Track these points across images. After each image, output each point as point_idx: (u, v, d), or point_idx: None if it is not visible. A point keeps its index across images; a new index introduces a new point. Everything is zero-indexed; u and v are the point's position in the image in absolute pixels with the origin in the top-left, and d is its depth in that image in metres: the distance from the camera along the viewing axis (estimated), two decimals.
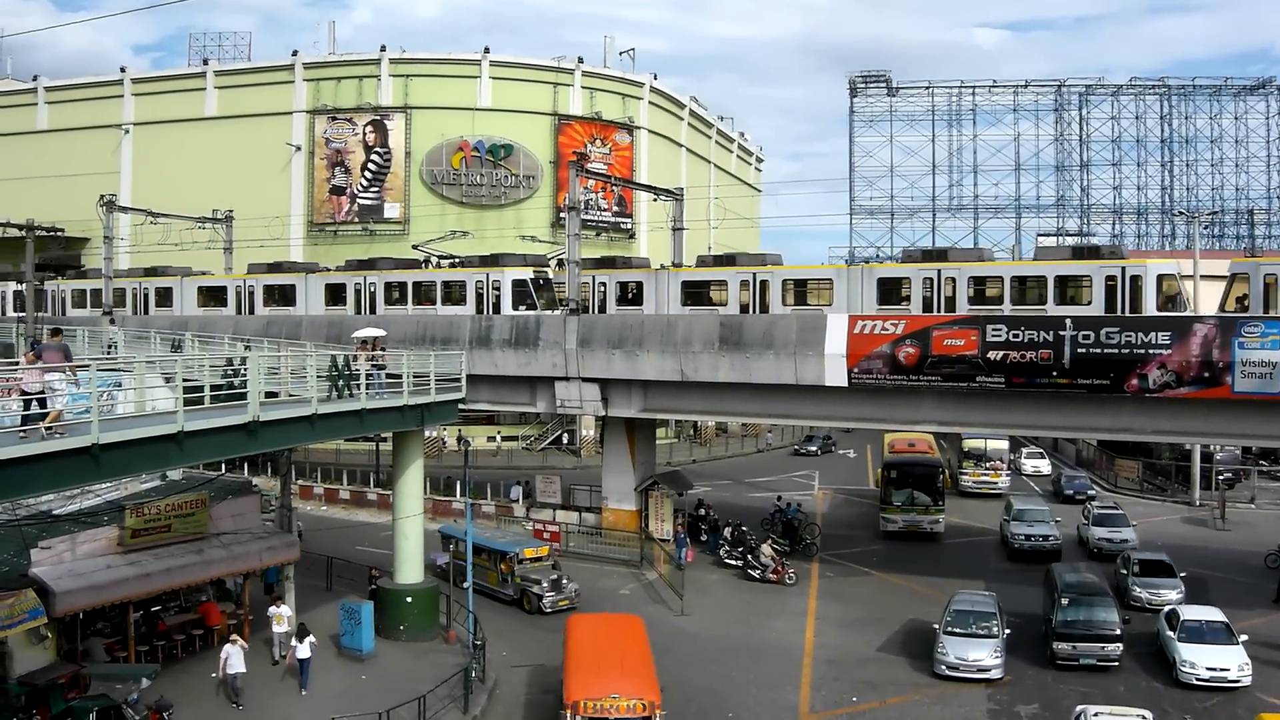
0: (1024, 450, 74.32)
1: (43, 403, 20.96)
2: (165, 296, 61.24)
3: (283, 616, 32.18)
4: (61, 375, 21.61)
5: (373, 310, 52.49)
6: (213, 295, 59.82)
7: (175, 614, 33.38)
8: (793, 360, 39.05)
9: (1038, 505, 50.33)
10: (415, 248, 55.13)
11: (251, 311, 56.43)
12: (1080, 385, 34.87)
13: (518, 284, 48.32)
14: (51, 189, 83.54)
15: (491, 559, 40.50)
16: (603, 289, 49.40)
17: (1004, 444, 65.10)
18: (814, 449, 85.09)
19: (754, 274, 45.51)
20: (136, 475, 33.43)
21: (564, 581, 39.38)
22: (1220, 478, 58.33)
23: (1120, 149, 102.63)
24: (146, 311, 61.10)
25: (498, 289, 48.82)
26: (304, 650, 30.23)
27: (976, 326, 36.21)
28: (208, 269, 63.73)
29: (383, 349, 34.55)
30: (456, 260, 53.02)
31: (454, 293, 50.82)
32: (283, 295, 56.59)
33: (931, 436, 57.41)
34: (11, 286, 68.21)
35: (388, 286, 52.59)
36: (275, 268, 59.00)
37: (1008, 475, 65.01)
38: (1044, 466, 72.75)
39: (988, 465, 63.88)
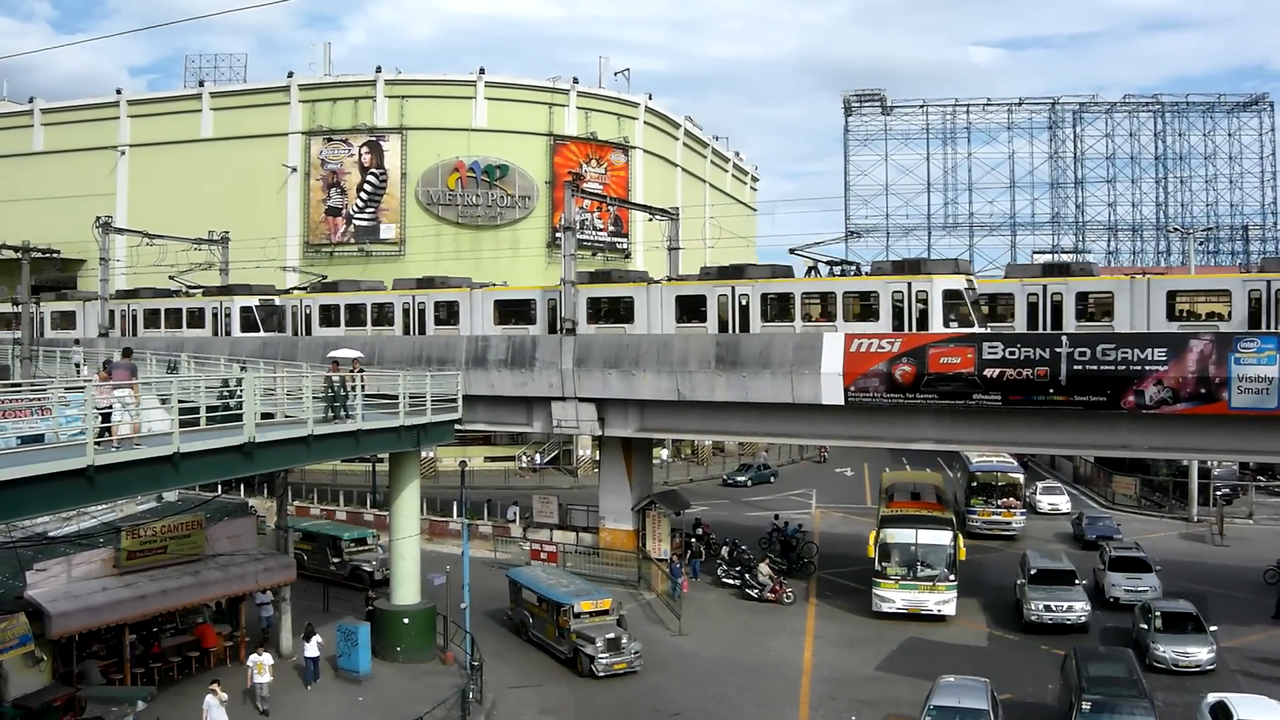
0: (1039, 484, 65.62)
1: (108, 416, 22.90)
2: (450, 312, 51.31)
3: (264, 665, 29.79)
4: (130, 392, 23.56)
5: (745, 328, 43.19)
6: (513, 310, 50.09)
7: (171, 636, 33.23)
8: (789, 379, 39.06)
9: (1061, 564, 41.31)
10: (794, 251, 46.87)
11: (571, 331, 47.26)
12: (1077, 402, 34.85)
13: (950, 294, 40.02)
14: (47, 210, 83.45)
15: (549, 610, 35.97)
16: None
17: (1019, 475, 56.95)
18: (744, 479, 76.34)
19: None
20: (132, 497, 33.37)
21: (624, 641, 33.86)
22: (1218, 494, 58.30)
23: (1114, 166, 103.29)
24: (422, 331, 51.86)
25: (923, 301, 40.28)
26: (311, 649, 31.94)
27: (973, 344, 36.21)
28: (497, 279, 56.05)
29: (361, 370, 33.21)
30: (849, 267, 45.52)
31: (862, 305, 41.62)
32: (614, 311, 47.11)
33: (940, 481, 48.37)
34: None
35: (765, 299, 43.48)
36: (601, 276, 49.87)
37: (1022, 514, 56.02)
38: (1062, 503, 63.33)
39: (1000, 503, 55.22)
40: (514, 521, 54.65)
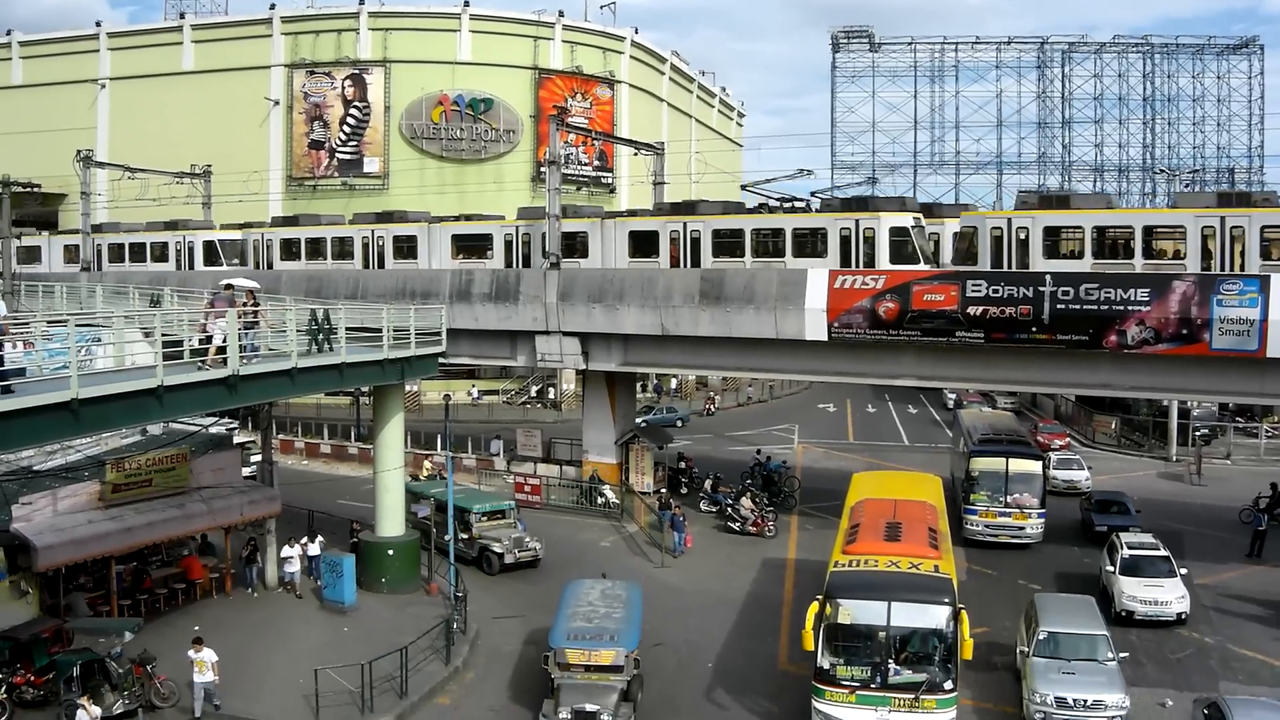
0: (1053, 456, 50.92)
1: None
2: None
3: (205, 664, 25.04)
4: (225, 321, 26.03)
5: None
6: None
7: (158, 568, 33.42)
8: (773, 314, 39.09)
9: (1086, 625, 26.31)
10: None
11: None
12: (1060, 341, 34.98)
13: None
14: (28, 144, 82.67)
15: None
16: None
17: (1035, 466, 40.63)
18: (640, 422, 57.40)
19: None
20: (116, 430, 33.39)
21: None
22: (1197, 434, 58.77)
23: (1102, 106, 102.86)
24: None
25: None
26: (314, 549, 35.48)
27: (956, 282, 36.23)
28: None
29: (256, 303, 29.54)
30: None
31: None
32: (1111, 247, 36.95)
33: (940, 503, 30.01)
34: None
35: None
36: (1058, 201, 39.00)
37: (1041, 517, 39.95)
38: (1080, 478, 49.71)
39: (1010, 499, 39.99)
40: (498, 455, 54.90)
